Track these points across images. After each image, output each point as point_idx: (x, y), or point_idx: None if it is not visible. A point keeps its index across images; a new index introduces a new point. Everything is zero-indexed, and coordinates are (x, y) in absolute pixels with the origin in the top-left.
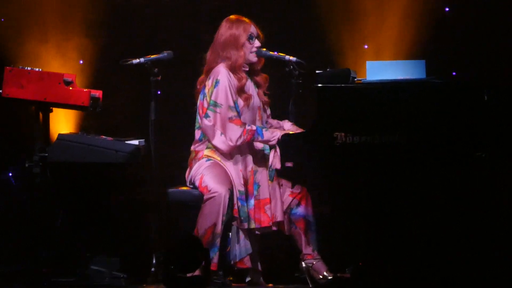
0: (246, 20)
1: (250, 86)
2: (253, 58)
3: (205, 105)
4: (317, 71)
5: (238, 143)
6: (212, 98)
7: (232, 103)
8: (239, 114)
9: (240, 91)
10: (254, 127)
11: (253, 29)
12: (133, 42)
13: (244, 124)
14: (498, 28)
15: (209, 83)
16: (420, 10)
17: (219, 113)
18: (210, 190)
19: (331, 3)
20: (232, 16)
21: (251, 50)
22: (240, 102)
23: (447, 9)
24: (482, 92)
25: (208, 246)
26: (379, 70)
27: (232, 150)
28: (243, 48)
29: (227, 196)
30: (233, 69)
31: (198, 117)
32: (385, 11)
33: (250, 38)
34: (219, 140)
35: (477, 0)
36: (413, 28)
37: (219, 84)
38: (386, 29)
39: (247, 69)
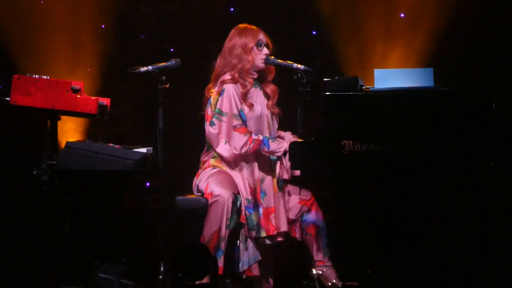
0: (255, 28)
1: (256, 95)
2: (260, 64)
3: (210, 113)
4: (325, 79)
5: (243, 151)
6: (217, 106)
7: (236, 112)
8: (244, 122)
9: (244, 97)
10: (261, 137)
11: (262, 36)
12: (141, 50)
13: (249, 132)
14: (507, 35)
15: (215, 91)
16: (429, 17)
17: (224, 121)
18: (213, 194)
19: (339, 12)
20: (241, 25)
21: (259, 56)
22: (245, 109)
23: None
24: (490, 100)
25: (214, 251)
26: (387, 78)
27: (236, 158)
28: (251, 53)
29: (231, 200)
30: (240, 74)
31: (205, 125)
32: (393, 18)
33: (259, 45)
34: (223, 148)
35: (486, 8)
36: (422, 35)
37: (224, 92)
38: (394, 37)
39: (255, 76)
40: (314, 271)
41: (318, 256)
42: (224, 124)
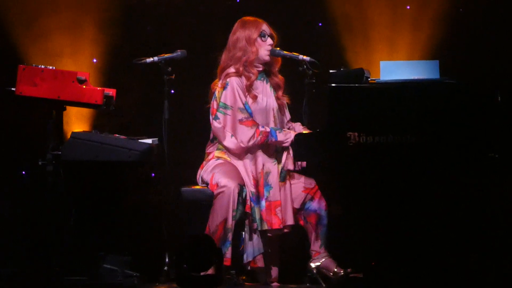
0: (258, 19)
1: (262, 87)
2: (265, 56)
3: (215, 106)
4: (330, 71)
5: (250, 144)
6: (222, 100)
7: (241, 105)
8: (250, 115)
9: (249, 89)
10: (268, 129)
11: (265, 27)
12: (147, 41)
13: (256, 124)
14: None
15: (219, 84)
16: (435, 9)
17: (229, 115)
18: (219, 185)
19: (345, 3)
20: (244, 18)
21: (264, 47)
22: (250, 100)
23: (461, 9)
24: (496, 93)
25: (220, 242)
26: (393, 70)
27: (242, 151)
28: (255, 44)
29: (236, 191)
30: (244, 66)
31: (210, 118)
32: (399, 10)
33: (262, 35)
34: (230, 142)
35: (493, 0)
36: (427, 27)
37: (228, 86)
38: (400, 29)
39: (261, 68)
40: (312, 265)
41: (314, 246)
42: (229, 118)
